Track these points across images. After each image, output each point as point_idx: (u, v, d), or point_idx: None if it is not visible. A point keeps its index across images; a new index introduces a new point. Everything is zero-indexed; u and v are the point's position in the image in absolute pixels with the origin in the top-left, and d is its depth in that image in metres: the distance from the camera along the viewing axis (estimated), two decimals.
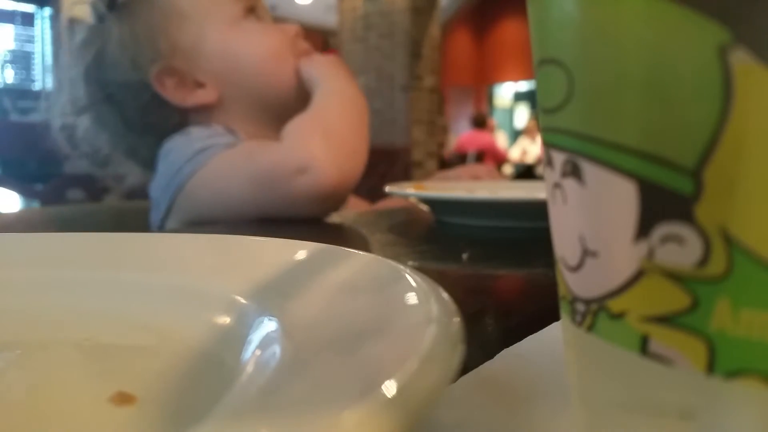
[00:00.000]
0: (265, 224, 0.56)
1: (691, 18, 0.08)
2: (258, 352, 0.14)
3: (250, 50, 0.67)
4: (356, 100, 0.65)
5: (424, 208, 0.60)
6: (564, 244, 0.11)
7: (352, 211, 0.71)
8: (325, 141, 0.57)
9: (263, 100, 0.68)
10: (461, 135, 6.25)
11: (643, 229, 0.10)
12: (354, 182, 0.59)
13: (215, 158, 0.60)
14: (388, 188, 0.57)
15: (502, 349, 0.18)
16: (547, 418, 0.14)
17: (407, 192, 0.55)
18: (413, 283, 0.15)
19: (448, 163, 4.93)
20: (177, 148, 0.63)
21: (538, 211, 0.44)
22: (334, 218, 0.60)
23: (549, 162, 0.11)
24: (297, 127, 0.59)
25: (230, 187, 0.59)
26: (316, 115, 0.60)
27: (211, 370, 0.15)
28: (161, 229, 0.63)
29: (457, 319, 0.12)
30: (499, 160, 5.91)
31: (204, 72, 0.68)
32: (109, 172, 0.74)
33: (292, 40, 0.69)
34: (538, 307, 0.27)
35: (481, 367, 0.17)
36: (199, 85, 0.68)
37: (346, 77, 0.67)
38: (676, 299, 0.09)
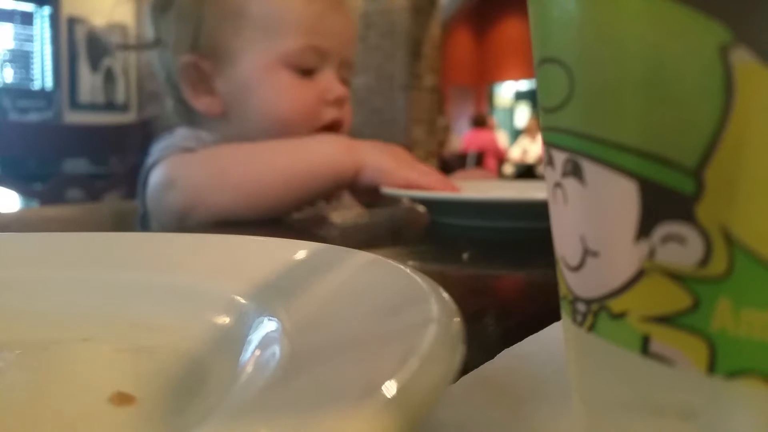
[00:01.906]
0: (265, 224, 0.56)
1: (693, 17, 0.08)
2: (258, 353, 0.14)
3: (270, 99, 0.66)
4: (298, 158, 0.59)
5: (421, 209, 0.60)
6: (565, 244, 0.11)
7: (352, 212, 0.71)
8: (200, 163, 0.58)
9: (257, 138, 0.66)
10: (464, 135, 6.26)
11: (644, 229, 0.09)
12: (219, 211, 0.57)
13: (164, 159, 0.62)
14: (383, 188, 0.57)
15: (502, 349, 0.18)
16: (547, 418, 0.14)
17: (404, 192, 0.55)
18: (413, 283, 0.15)
19: (448, 162, 4.93)
20: (159, 144, 0.65)
21: (536, 211, 0.44)
22: (335, 218, 0.60)
23: (550, 161, 0.11)
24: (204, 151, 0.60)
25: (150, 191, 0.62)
26: (238, 148, 0.60)
27: (211, 370, 0.15)
28: (143, 220, 0.65)
29: (457, 319, 0.12)
30: (500, 159, 5.92)
31: (220, 86, 0.68)
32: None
33: (319, 101, 0.66)
34: (538, 307, 0.27)
35: (481, 367, 0.17)
36: (211, 93, 0.68)
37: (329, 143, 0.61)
38: (677, 299, 0.09)
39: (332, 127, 0.68)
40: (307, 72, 0.67)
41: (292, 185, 0.58)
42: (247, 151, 0.60)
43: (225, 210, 0.57)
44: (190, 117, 0.72)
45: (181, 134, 0.66)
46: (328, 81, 0.67)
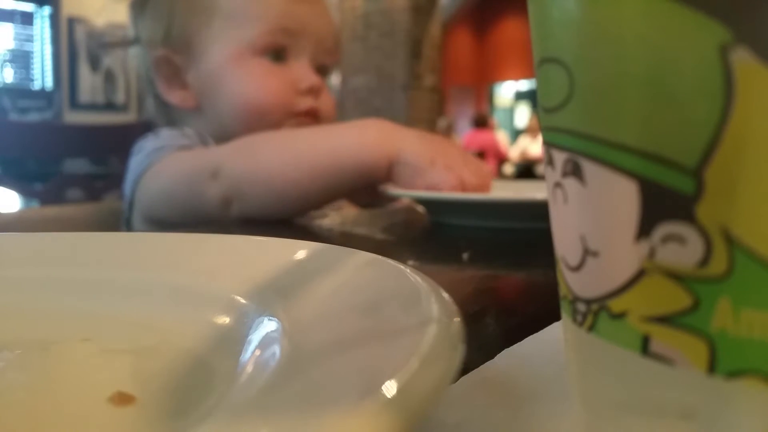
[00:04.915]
0: (263, 224, 0.56)
1: (693, 17, 0.08)
2: (258, 352, 0.14)
3: (238, 87, 0.66)
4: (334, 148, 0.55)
5: (421, 209, 0.60)
6: (565, 244, 0.11)
7: (351, 212, 0.71)
8: (245, 153, 0.55)
9: (235, 130, 0.65)
10: (465, 134, 6.26)
11: (644, 229, 0.09)
12: (275, 207, 0.55)
13: (165, 158, 0.60)
14: (382, 188, 0.56)
15: (502, 349, 0.18)
16: (547, 419, 0.14)
17: (403, 192, 0.55)
18: (413, 283, 0.15)
19: None
20: (145, 146, 0.64)
21: (536, 211, 0.44)
22: (334, 218, 0.60)
23: (550, 161, 0.11)
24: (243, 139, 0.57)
25: (162, 186, 0.59)
26: (271, 137, 0.57)
27: (211, 370, 0.15)
28: (128, 223, 0.63)
29: (457, 319, 0.12)
30: (500, 159, 5.92)
31: (192, 79, 0.68)
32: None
33: (292, 89, 0.65)
34: (538, 307, 0.27)
35: (481, 367, 0.17)
36: (184, 86, 0.69)
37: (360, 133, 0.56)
38: (677, 299, 0.09)
39: (308, 117, 0.67)
40: (278, 56, 0.66)
41: (318, 181, 0.54)
42: (280, 142, 0.57)
43: (257, 206, 0.55)
44: (169, 115, 0.72)
45: (166, 134, 0.66)
46: (301, 70, 0.67)
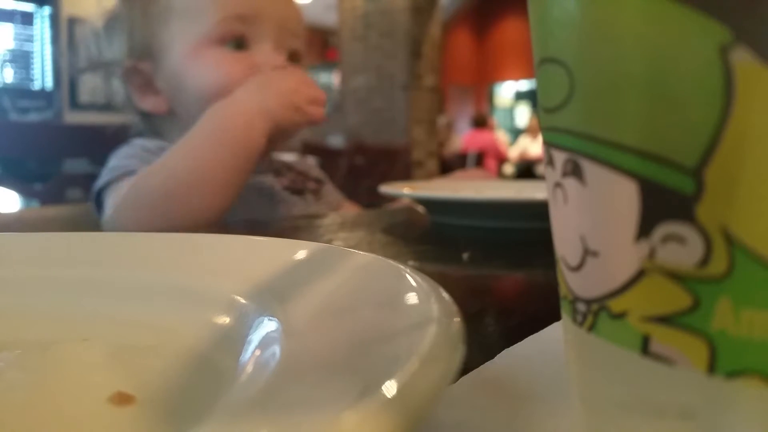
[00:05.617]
0: (262, 224, 0.56)
1: (693, 17, 0.08)
2: (258, 353, 0.14)
3: (201, 79, 0.66)
4: (214, 144, 0.57)
5: (420, 209, 0.60)
6: (565, 244, 0.11)
7: (351, 211, 0.71)
8: (134, 208, 0.56)
9: None
10: (464, 135, 6.25)
11: (644, 229, 0.09)
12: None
13: (123, 180, 0.60)
14: (382, 188, 0.57)
15: (502, 349, 0.18)
16: (547, 419, 0.14)
17: (400, 192, 0.55)
18: (413, 283, 0.15)
19: (449, 162, 4.93)
20: (111, 163, 0.65)
21: (536, 211, 0.44)
22: (334, 218, 0.60)
23: (550, 161, 0.11)
24: (128, 187, 0.57)
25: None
26: (144, 177, 0.57)
27: (211, 370, 0.15)
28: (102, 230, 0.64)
29: (457, 319, 0.12)
30: (500, 159, 5.92)
31: (161, 84, 0.69)
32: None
33: (255, 74, 0.64)
34: (538, 307, 0.27)
35: (481, 367, 0.17)
36: (155, 93, 0.69)
37: (234, 108, 0.58)
38: (677, 299, 0.09)
39: None
40: (239, 45, 0.66)
41: (224, 162, 0.56)
42: (175, 148, 0.57)
43: (196, 209, 0.55)
44: (153, 128, 0.73)
45: (137, 145, 0.66)
46: (264, 55, 0.66)
